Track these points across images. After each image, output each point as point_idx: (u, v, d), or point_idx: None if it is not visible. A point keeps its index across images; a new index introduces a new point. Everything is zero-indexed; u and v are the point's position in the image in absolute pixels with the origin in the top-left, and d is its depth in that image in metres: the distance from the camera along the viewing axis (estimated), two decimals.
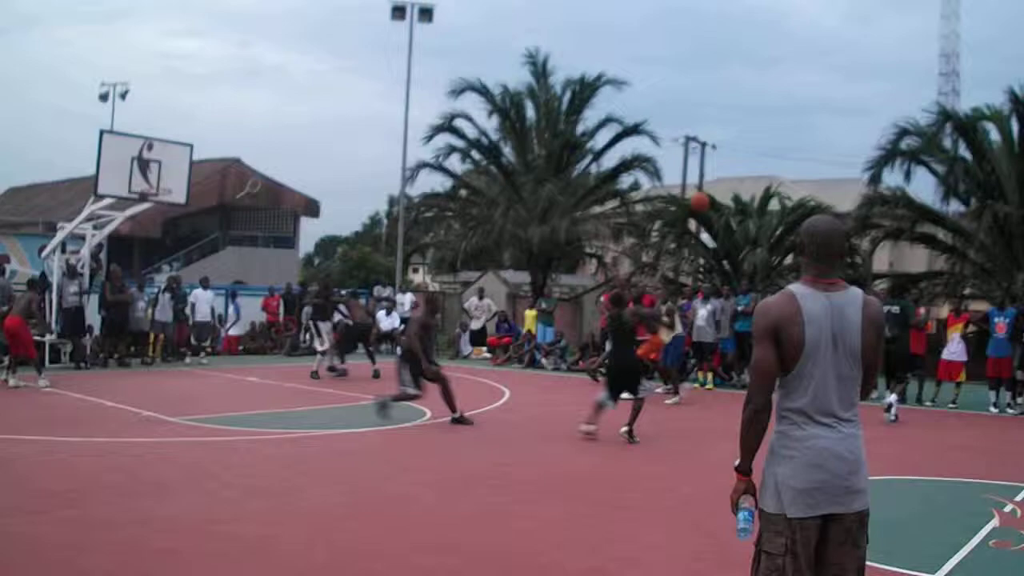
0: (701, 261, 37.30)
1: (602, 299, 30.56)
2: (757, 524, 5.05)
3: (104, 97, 58.62)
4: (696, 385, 24.27)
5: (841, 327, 4.96)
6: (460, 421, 16.58)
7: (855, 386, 5.06)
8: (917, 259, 37.42)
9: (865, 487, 5.01)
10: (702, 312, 24.19)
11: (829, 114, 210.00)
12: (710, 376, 24.63)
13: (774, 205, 35.83)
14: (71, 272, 25.24)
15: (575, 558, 8.63)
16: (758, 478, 5.05)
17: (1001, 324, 21.46)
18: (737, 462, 5.14)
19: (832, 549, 4.95)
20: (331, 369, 24.25)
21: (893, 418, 18.69)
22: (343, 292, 31.61)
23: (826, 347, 4.91)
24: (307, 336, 31.04)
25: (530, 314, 32.29)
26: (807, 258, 5.11)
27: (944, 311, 27.37)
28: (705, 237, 37.23)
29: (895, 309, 20.96)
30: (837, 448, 4.92)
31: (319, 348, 24.65)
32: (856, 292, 5.12)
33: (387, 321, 32.94)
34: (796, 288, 5.02)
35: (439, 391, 16.76)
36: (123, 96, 58.46)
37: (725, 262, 35.22)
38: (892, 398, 19.14)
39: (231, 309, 32.34)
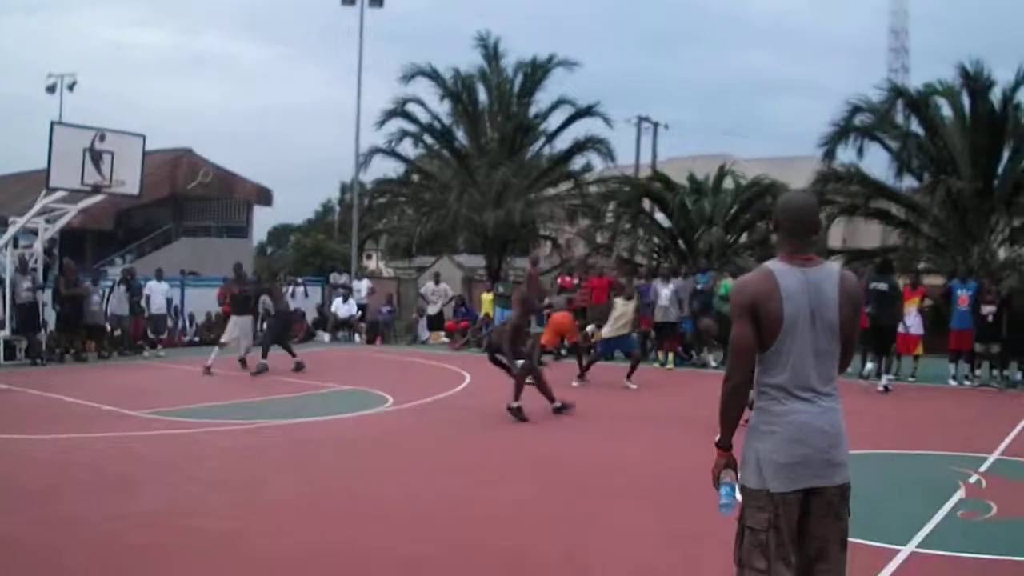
0: (656, 241, 37.33)
1: (558, 280, 30.58)
2: (739, 499, 5.06)
3: (52, 89, 58.15)
4: (657, 365, 24.31)
5: (819, 302, 4.96)
6: (560, 410, 16.35)
7: (834, 360, 5.07)
8: (871, 235, 37.58)
9: (846, 460, 5.03)
10: (665, 292, 24.25)
11: (781, 93, 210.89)
12: (671, 356, 24.55)
13: (728, 183, 35.94)
14: (23, 267, 24.99)
15: (545, 542, 8.63)
16: (738, 453, 5.05)
17: (964, 296, 21.55)
18: (717, 437, 5.15)
19: (814, 522, 4.97)
20: (241, 361, 23.35)
21: (882, 388, 19.71)
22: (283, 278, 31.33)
23: (804, 323, 4.92)
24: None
25: (487, 297, 32.21)
26: (782, 234, 5.11)
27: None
28: (660, 217, 37.25)
29: (882, 286, 20.90)
30: (817, 422, 4.93)
31: (222, 340, 23.99)
32: (832, 267, 5.13)
33: (344, 308, 32.88)
34: (773, 265, 5.02)
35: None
36: (71, 88, 58.01)
37: (680, 241, 35.28)
38: (886, 379, 20.18)
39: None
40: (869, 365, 20.59)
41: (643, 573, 7.89)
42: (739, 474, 5.06)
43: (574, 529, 9.07)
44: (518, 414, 15.36)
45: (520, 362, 16.00)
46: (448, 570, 7.93)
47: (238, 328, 23.50)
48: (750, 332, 4.93)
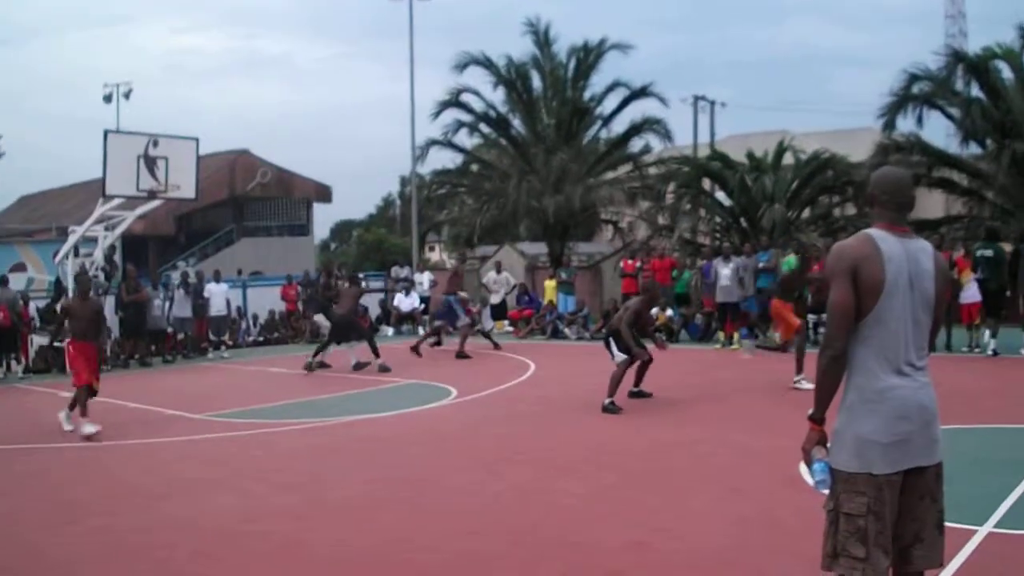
0: (718, 220, 37.06)
1: (621, 264, 30.37)
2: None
3: (108, 98, 58.60)
4: (719, 346, 24.07)
5: (917, 271, 4.87)
6: (639, 395, 16.25)
7: (927, 333, 4.98)
8: (934, 204, 37.10)
9: (941, 437, 4.93)
10: (725, 271, 23.95)
11: (837, 65, 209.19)
12: (736, 336, 24.25)
13: (787, 159, 35.60)
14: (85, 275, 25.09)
15: (614, 532, 8.48)
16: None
17: None
18: (811, 411, 4.97)
19: (912, 504, 4.86)
20: (316, 365, 22.64)
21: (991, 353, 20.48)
22: (360, 276, 31.26)
23: (905, 288, 4.82)
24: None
25: (550, 284, 32.07)
26: (879, 208, 5.04)
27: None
28: (721, 196, 36.99)
29: (988, 252, 21.35)
30: (919, 397, 4.83)
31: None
32: (925, 242, 5.06)
33: (406, 302, 32.82)
34: (872, 231, 4.92)
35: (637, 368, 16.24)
36: (127, 96, 58.43)
37: (742, 219, 34.98)
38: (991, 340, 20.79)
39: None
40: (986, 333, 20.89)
41: (713, 558, 7.71)
42: (832, 457, 4.88)
43: (648, 517, 8.94)
44: (612, 408, 15.00)
45: (622, 356, 15.58)
46: (518, 564, 7.80)
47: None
48: (850, 295, 4.80)
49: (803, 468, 9.79)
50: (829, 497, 4.89)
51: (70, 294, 24.85)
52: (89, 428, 14.08)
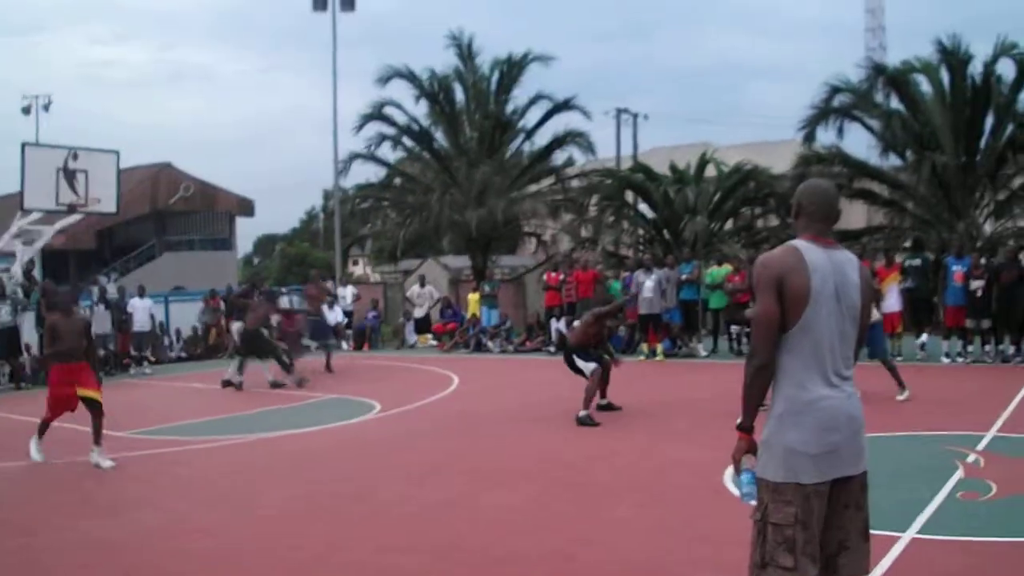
0: (641, 232, 37.26)
1: (544, 277, 30.39)
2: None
3: (27, 110, 57.94)
4: (643, 358, 24.12)
5: (843, 282, 4.89)
6: (608, 408, 15.94)
7: (853, 344, 4.98)
8: (856, 215, 37.48)
9: (866, 446, 4.96)
10: (648, 283, 24.01)
11: (757, 77, 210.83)
12: (659, 348, 24.32)
13: (710, 171, 35.87)
14: (1, 292, 24.75)
15: (537, 542, 8.50)
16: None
17: (960, 273, 21.30)
18: (739, 420, 4.97)
19: (838, 513, 4.88)
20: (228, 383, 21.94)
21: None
22: (282, 290, 31.00)
23: (830, 299, 4.82)
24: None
25: (473, 298, 32.06)
26: (805, 218, 5.04)
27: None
28: (643, 208, 37.19)
29: (916, 262, 22.23)
30: (847, 407, 4.85)
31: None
32: (850, 254, 5.08)
33: (331, 315, 32.68)
34: (798, 243, 4.93)
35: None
36: (46, 108, 57.78)
37: (665, 231, 35.20)
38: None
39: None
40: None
41: (636, 569, 7.74)
42: (760, 467, 4.89)
43: (573, 528, 8.92)
44: (588, 421, 14.78)
45: (592, 366, 15.42)
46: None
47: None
48: (775, 307, 4.79)
49: (728, 478, 9.89)
50: (757, 507, 4.88)
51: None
52: (38, 456, 13.57)
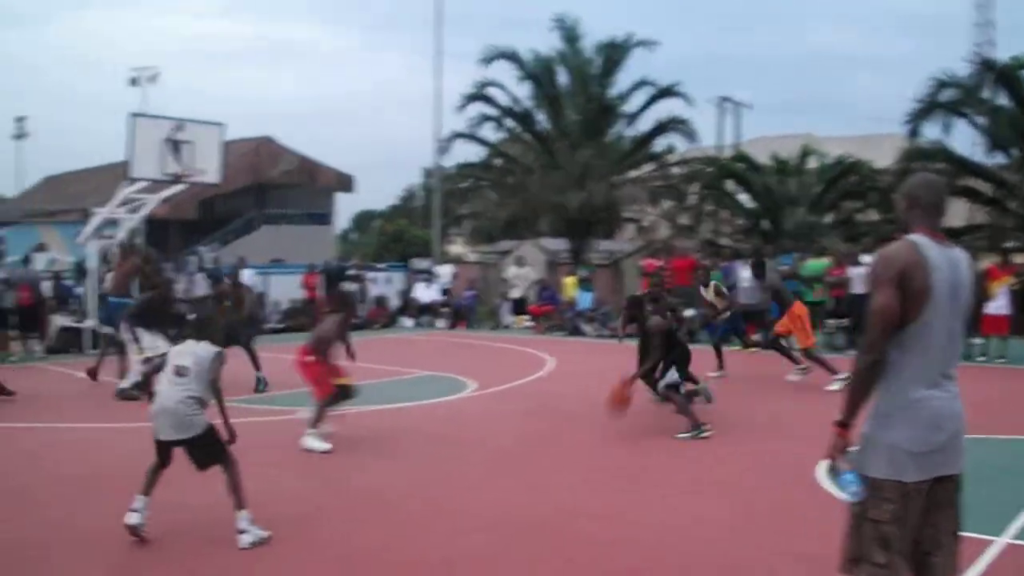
0: (740, 222, 37.09)
1: (642, 263, 30.34)
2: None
3: (134, 82, 58.69)
4: (736, 348, 23.95)
5: (957, 280, 4.89)
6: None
7: (959, 344, 5.01)
8: (957, 213, 37.12)
9: (964, 447, 4.96)
10: (745, 274, 23.83)
11: (862, 70, 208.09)
12: (755, 339, 24.08)
13: (811, 163, 35.62)
14: (107, 258, 25.15)
15: (620, 530, 8.54)
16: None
17: None
18: (840, 416, 4.92)
19: (933, 512, 4.88)
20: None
21: None
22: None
23: (945, 297, 4.82)
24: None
25: (570, 281, 32.05)
26: (920, 212, 5.02)
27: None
28: (743, 198, 37.01)
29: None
30: (951, 408, 4.87)
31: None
32: (962, 251, 5.06)
33: (427, 293, 32.88)
34: (916, 238, 4.91)
35: None
36: (153, 80, 58.48)
37: (765, 222, 35.00)
38: None
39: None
40: None
41: (733, 564, 7.72)
42: (860, 463, 4.87)
43: (662, 519, 8.91)
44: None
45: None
46: (522, 560, 7.85)
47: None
48: (895, 302, 4.77)
49: (820, 473, 9.85)
50: (854, 501, 4.88)
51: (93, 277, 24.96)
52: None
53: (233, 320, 18.23)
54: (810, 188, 34.17)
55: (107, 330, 19.66)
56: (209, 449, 8.36)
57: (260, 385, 17.43)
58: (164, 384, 8.41)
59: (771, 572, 7.46)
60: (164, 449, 8.40)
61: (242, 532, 8.04)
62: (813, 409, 14.76)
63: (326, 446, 12.22)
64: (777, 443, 12.57)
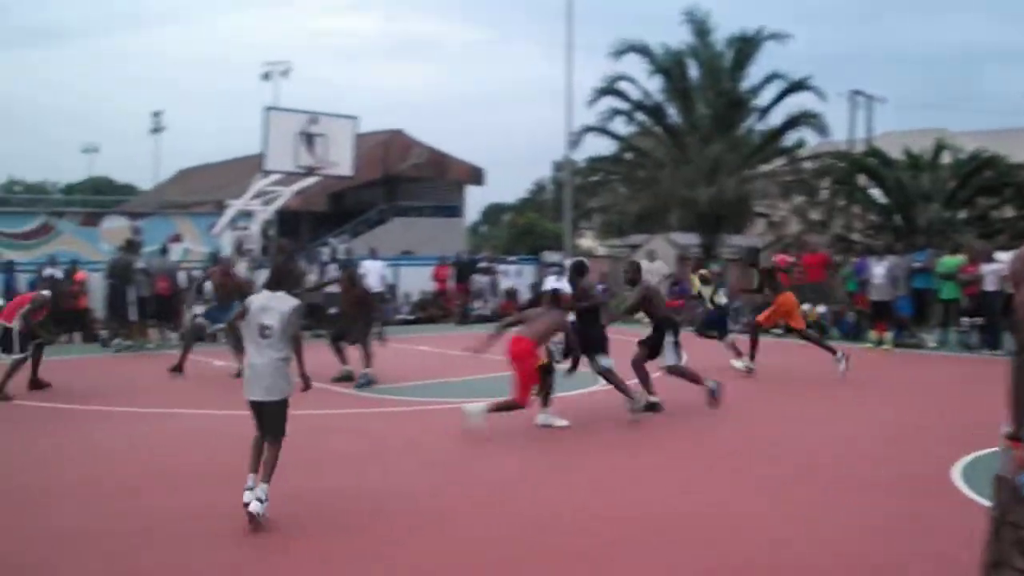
0: (872, 217, 36.79)
1: (774, 259, 30.24)
2: None
3: (266, 77, 59.75)
4: (869, 345, 23.78)
5: None
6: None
7: None
8: None
9: None
10: (879, 270, 23.66)
11: (997, 63, 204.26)
12: (888, 336, 23.95)
13: (945, 158, 35.20)
14: (240, 249, 25.69)
15: (764, 531, 8.53)
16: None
17: None
18: (1008, 428, 4.63)
19: None
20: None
21: None
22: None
23: None
24: (477, 304, 31.48)
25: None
26: None
27: None
28: (875, 193, 36.68)
29: None
30: None
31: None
32: None
33: (558, 286, 33.02)
34: None
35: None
36: (285, 75, 59.46)
37: (897, 218, 34.69)
38: None
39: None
40: None
41: (870, 567, 7.76)
42: (1001, 462, 4.67)
43: (800, 517, 8.97)
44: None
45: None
46: (662, 549, 7.91)
47: None
48: None
49: (957, 476, 9.87)
50: (994, 504, 4.69)
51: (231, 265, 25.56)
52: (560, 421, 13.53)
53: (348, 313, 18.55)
54: (944, 183, 33.79)
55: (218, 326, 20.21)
56: (279, 418, 8.80)
57: (362, 380, 17.55)
58: (252, 348, 8.86)
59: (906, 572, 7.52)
60: (258, 411, 8.85)
61: (260, 500, 8.45)
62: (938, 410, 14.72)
63: (564, 421, 13.09)
64: (912, 445, 12.57)
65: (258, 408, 8.82)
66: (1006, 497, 4.62)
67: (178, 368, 18.36)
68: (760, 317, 19.78)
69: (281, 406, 8.82)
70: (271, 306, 8.81)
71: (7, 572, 7.37)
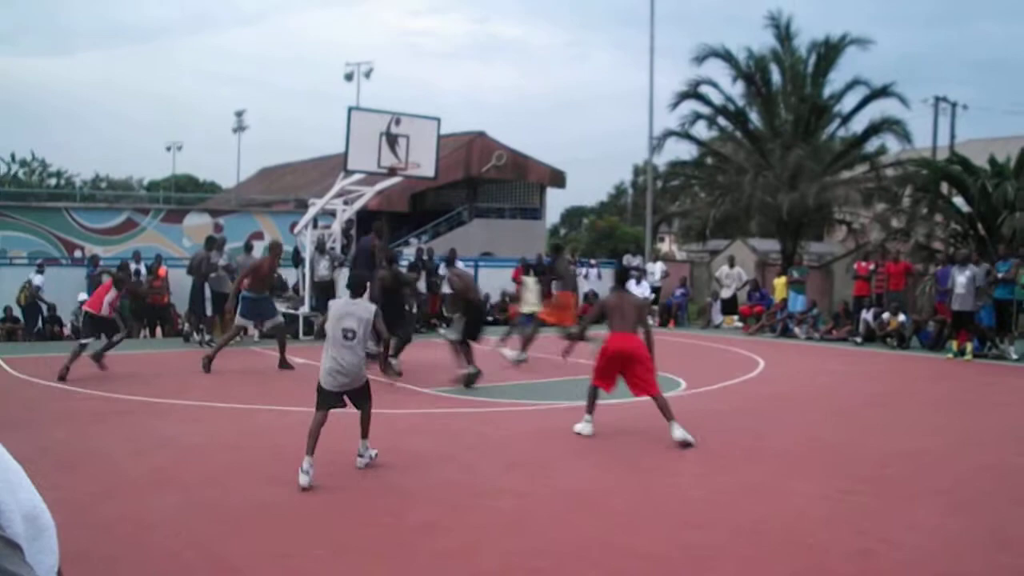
0: (955, 226, 36.52)
1: (855, 266, 30.19)
2: None
3: (349, 77, 60.25)
4: (950, 355, 23.67)
5: None
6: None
7: None
8: None
9: None
10: (961, 279, 23.56)
11: None
12: (968, 347, 23.82)
13: None
14: (322, 247, 26.04)
15: (835, 536, 8.56)
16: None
17: None
18: None
19: None
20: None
21: None
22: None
23: None
24: None
25: (780, 282, 31.98)
26: None
27: None
28: (959, 201, 36.42)
29: None
30: None
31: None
32: None
33: (637, 290, 33.11)
34: None
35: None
36: (367, 75, 59.90)
37: (980, 227, 34.43)
38: None
39: None
40: None
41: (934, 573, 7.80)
42: None
43: (872, 525, 8.89)
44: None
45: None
46: (740, 560, 7.96)
47: None
48: None
49: None
50: None
51: (307, 265, 25.99)
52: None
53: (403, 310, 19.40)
54: None
55: (244, 322, 20.81)
56: (366, 394, 10.66)
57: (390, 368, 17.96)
58: (335, 348, 10.17)
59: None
60: (335, 397, 10.35)
61: (360, 456, 10.51)
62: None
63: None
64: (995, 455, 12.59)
65: (342, 393, 10.39)
66: None
67: (285, 363, 19.45)
68: None
69: (366, 386, 10.60)
70: (351, 311, 9.81)
71: (94, 561, 7.58)
